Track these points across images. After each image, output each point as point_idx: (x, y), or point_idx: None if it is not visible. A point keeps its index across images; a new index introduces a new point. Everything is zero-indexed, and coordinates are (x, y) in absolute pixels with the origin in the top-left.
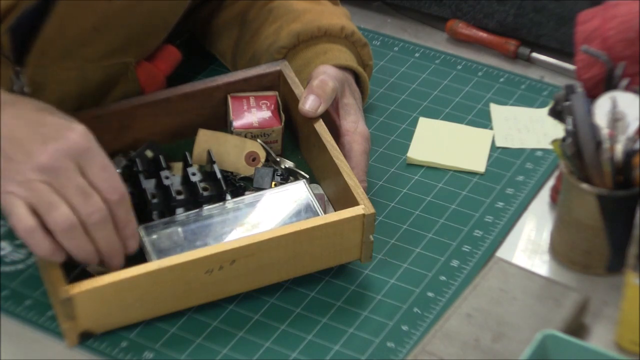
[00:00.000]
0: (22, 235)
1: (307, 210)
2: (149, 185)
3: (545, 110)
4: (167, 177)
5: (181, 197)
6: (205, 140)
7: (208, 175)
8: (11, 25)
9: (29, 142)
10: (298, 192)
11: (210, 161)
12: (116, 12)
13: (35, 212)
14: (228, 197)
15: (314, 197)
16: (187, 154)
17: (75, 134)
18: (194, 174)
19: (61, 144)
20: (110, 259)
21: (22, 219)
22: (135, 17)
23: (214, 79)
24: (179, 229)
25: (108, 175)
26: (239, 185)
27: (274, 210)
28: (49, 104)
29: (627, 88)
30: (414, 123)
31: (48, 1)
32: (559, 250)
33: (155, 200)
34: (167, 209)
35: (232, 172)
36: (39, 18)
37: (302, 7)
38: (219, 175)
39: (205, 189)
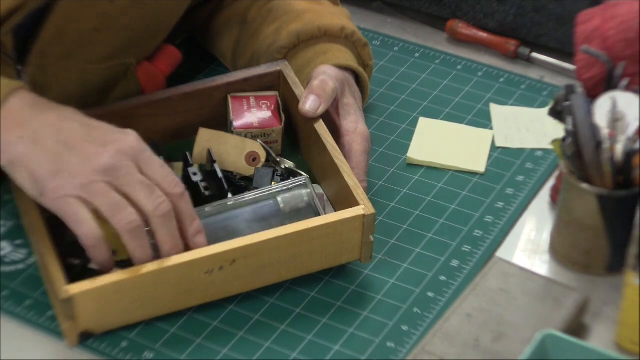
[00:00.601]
0: (88, 243)
1: (308, 210)
2: None
3: (545, 110)
4: None
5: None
6: (206, 139)
7: (208, 174)
8: (13, 24)
9: (88, 145)
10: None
11: (211, 160)
12: (117, 13)
13: (98, 216)
14: (229, 195)
15: (316, 196)
16: (187, 154)
17: (131, 136)
18: (195, 174)
19: (120, 145)
20: (169, 254)
21: (89, 227)
22: (136, 18)
23: (214, 79)
24: None
25: (167, 172)
26: (240, 185)
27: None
28: None
29: (627, 88)
30: (414, 123)
31: (50, 1)
32: (559, 250)
33: None
34: None
35: (232, 172)
36: (40, 18)
37: (302, 7)
38: (220, 175)
39: (206, 189)
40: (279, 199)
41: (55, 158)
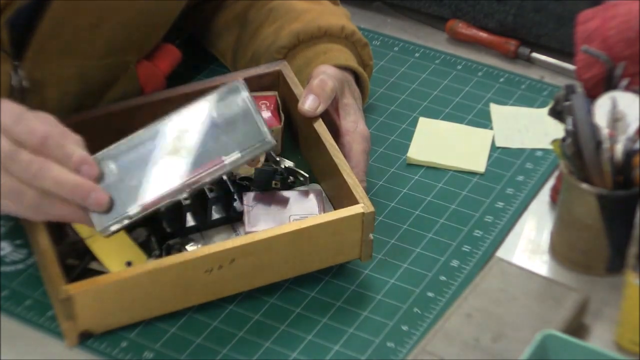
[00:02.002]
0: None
1: (246, 119)
2: None
3: (545, 110)
4: None
5: (188, 201)
6: None
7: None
8: (10, 18)
9: None
10: (234, 98)
11: None
12: (114, 8)
13: None
14: (235, 197)
15: (253, 102)
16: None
17: None
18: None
19: None
20: (82, 198)
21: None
22: (134, 14)
23: (214, 79)
24: (112, 166)
25: (22, 126)
26: (244, 184)
27: (203, 124)
28: (49, 102)
29: (627, 88)
30: (414, 123)
31: None
32: (559, 250)
33: (163, 208)
34: (176, 215)
35: (232, 172)
36: (37, 12)
37: (302, 7)
38: (224, 177)
39: (210, 190)
40: (212, 110)
41: None
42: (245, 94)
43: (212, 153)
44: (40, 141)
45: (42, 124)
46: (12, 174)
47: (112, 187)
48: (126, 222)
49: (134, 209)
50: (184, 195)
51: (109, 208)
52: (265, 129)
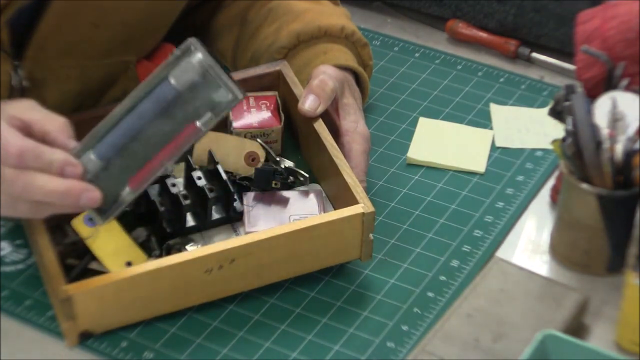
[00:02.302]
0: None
1: (207, 80)
2: (153, 191)
3: (545, 110)
4: (173, 185)
5: (188, 201)
6: (205, 140)
7: (209, 174)
8: (10, 18)
9: None
10: (188, 57)
11: (213, 162)
12: (115, 8)
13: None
14: (235, 198)
15: (212, 58)
16: (189, 157)
17: None
18: (199, 178)
19: None
20: (75, 201)
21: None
22: (134, 14)
23: None
24: (92, 156)
25: None
26: (245, 185)
27: (165, 91)
28: (49, 101)
29: (627, 88)
30: (414, 123)
31: None
32: (559, 250)
33: (163, 208)
34: (176, 215)
35: (232, 173)
36: (37, 12)
37: (302, 7)
38: (224, 177)
39: (210, 190)
40: (170, 78)
41: None
42: (199, 56)
43: (184, 121)
44: (17, 159)
45: (15, 138)
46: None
47: (98, 177)
48: (122, 207)
49: (125, 192)
50: (168, 166)
51: (102, 201)
52: (231, 84)
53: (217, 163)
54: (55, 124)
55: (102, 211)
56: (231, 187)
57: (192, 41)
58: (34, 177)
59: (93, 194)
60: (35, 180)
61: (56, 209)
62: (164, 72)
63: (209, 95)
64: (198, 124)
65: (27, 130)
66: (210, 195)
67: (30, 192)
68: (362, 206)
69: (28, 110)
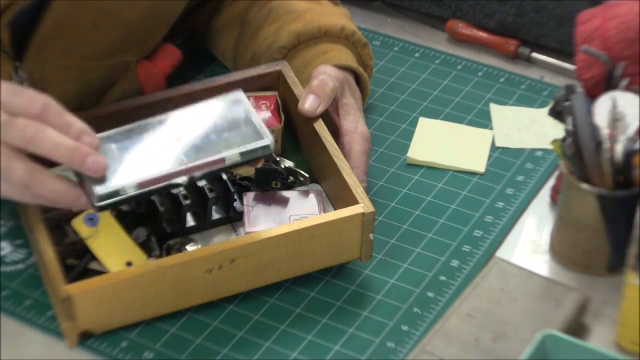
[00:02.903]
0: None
1: (247, 124)
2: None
3: (545, 110)
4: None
5: (188, 201)
6: None
7: (210, 174)
8: (11, 19)
9: None
10: (236, 104)
11: None
12: (115, 8)
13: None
14: (235, 198)
15: (253, 109)
16: None
17: None
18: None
19: None
20: (79, 163)
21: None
22: (134, 14)
23: (213, 79)
24: (113, 146)
25: (21, 97)
26: (244, 184)
27: (206, 121)
28: None
29: (627, 88)
30: (414, 123)
31: None
32: (559, 250)
33: (163, 208)
34: (176, 215)
35: (232, 172)
36: (38, 13)
37: (302, 7)
38: (224, 177)
39: (210, 190)
40: (215, 112)
41: None
42: (246, 105)
43: (212, 147)
44: (41, 109)
45: (43, 96)
46: (7, 141)
47: (110, 164)
48: (120, 196)
49: (129, 185)
50: (180, 180)
51: (104, 176)
52: (266, 132)
53: None
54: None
55: (102, 194)
56: (231, 187)
57: (239, 93)
58: (48, 129)
59: (99, 159)
60: (47, 131)
61: (50, 186)
62: (210, 104)
63: (243, 137)
64: (224, 155)
65: None
66: (210, 195)
67: (38, 141)
68: (362, 206)
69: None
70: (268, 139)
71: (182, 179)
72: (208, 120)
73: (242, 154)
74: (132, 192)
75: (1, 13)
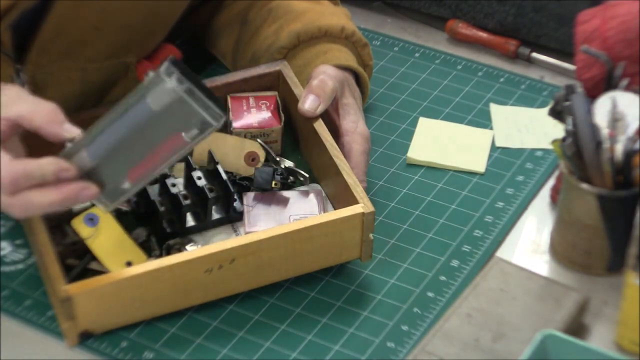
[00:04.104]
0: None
1: (181, 106)
2: (153, 191)
3: (545, 110)
4: (173, 185)
5: (188, 201)
6: (205, 140)
7: (209, 174)
8: (12, 22)
9: None
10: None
11: (213, 162)
12: (116, 10)
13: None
14: (235, 198)
15: (187, 81)
16: (189, 157)
17: None
18: (199, 178)
19: None
20: (76, 201)
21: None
22: (136, 16)
23: (213, 79)
24: (84, 154)
25: None
26: (244, 184)
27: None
28: None
29: (627, 88)
30: (414, 123)
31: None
32: (559, 250)
33: (163, 208)
34: (176, 215)
35: (232, 173)
36: (39, 16)
37: (302, 7)
38: (224, 177)
39: (210, 190)
40: (148, 99)
41: None
42: (171, 84)
43: (172, 129)
44: (11, 187)
45: (5, 167)
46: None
47: (95, 172)
48: (126, 196)
49: (126, 185)
50: (165, 167)
51: (103, 193)
52: (213, 106)
53: (217, 163)
54: (43, 114)
55: (107, 200)
56: (231, 187)
57: (167, 63)
58: (31, 197)
59: (90, 191)
60: (32, 200)
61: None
62: (144, 90)
63: (190, 118)
64: (184, 136)
65: (17, 129)
66: (210, 195)
67: (30, 211)
68: (362, 206)
69: (15, 101)
70: (213, 112)
71: (167, 169)
72: (144, 114)
73: (200, 130)
74: (132, 189)
75: (3, 15)
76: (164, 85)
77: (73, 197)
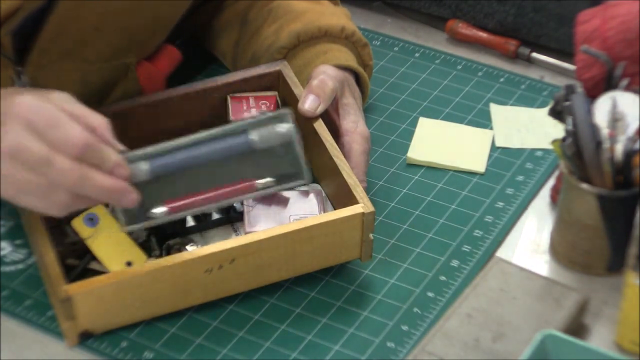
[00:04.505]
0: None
1: (287, 149)
2: None
3: (545, 110)
4: None
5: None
6: None
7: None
8: (13, 28)
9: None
10: (279, 126)
11: None
12: (117, 11)
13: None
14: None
15: (297, 133)
16: None
17: (22, 104)
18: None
19: (12, 120)
20: (116, 200)
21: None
22: (137, 17)
23: (213, 79)
24: (145, 167)
25: (60, 132)
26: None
27: (243, 141)
28: None
29: (627, 88)
30: (414, 123)
31: (50, 1)
32: (559, 250)
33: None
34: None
35: None
36: (40, 18)
37: (302, 7)
38: None
39: None
40: (253, 134)
41: None
42: (290, 124)
43: (246, 174)
44: (80, 150)
45: (80, 130)
46: (47, 175)
47: (140, 186)
48: (150, 221)
49: (159, 211)
50: (211, 208)
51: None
52: (303, 164)
53: None
54: (99, 120)
55: (129, 217)
56: None
57: (287, 111)
58: (90, 173)
59: (133, 197)
60: (90, 176)
61: (91, 203)
62: (248, 125)
63: (279, 164)
64: (257, 183)
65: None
66: None
67: (84, 186)
68: (362, 206)
69: (68, 103)
70: (304, 172)
71: (212, 207)
72: (245, 144)
73: (275, 182)
74: (161, 218)
75: (3, 22)
76: (279, 127)
77: (119, 194)
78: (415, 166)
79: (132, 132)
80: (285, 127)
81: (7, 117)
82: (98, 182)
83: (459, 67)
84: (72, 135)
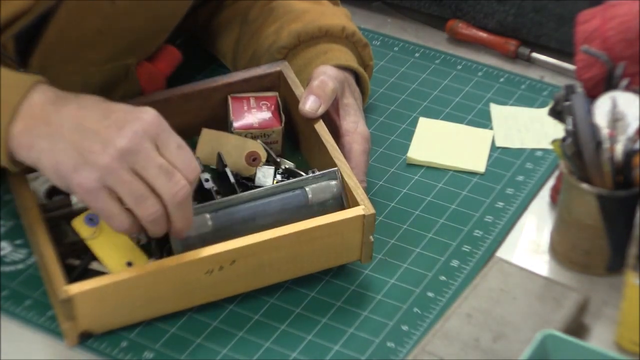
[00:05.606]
0: (121, 231)
1: (336, 203)
2: None
3: (545, 110)
4: None
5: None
6: (209, 139)
7: (217, 176)
8: (16, 32)
9: (105, 129)
10: (329, 183)
11: (222, 164)
12: (120, 14)
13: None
14: None
15: (343, 191)
16: (198, 159)
17: (148, 115)
18: (207, 180)
19: (137, 125)
20: (179, 234)
21: (119, 220)
22: (139, 19)
23: (214, 80)
24: (207, 216)
25: (184, 154)
26: (250, 185)
27: (299, 196)
28: None
29: (627, 88)
30: (414, 123)
31: (54, 5)
32: (559, 250)
33: None
34: None
35: (236, 173)
36: (43, 21)
37: (302, 7)
38: (232, 180)
39: (217, 192)
40: (307, 189)
41: (75, 151)
42: (338, 182)
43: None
44: (195, 178)
45: (184, 184)
46: (154, 184)
47: (203, 237)
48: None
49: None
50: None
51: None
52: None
53: (225, 166)
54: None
55: (185, 246)
56: (238, 190)
57: (335, 170)
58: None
59: (185, 227)
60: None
61: (150, 229)
62: (303, 182)
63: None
64: None
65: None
66: (217, 198)
67: (182, 206)
68: (363, 208)
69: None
70: None
71: None
72: (301, 200)
73: None
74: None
75: (10, 24)
76: (330, 182)
77: (184, 231)
78: (415, 166)
79: None
80: (334, 184)
81: (130, 124)
82: (190, 212)
83: (459, 67)
84: (191, 161)
